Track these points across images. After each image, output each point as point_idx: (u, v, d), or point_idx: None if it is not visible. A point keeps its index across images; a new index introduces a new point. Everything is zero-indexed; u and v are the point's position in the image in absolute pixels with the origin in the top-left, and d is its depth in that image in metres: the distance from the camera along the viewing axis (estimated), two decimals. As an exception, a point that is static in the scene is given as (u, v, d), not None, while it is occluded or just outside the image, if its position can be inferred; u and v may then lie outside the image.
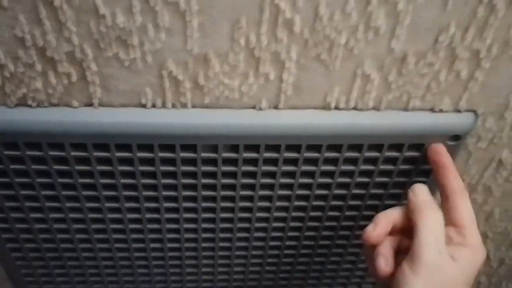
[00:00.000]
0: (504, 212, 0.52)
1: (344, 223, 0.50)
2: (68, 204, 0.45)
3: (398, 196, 0.47)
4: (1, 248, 0.50)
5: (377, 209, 0.48)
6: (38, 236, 0.49)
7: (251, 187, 0.45)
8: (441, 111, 0.40)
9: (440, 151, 0.40)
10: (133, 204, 0.45)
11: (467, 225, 0.37)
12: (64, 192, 0.44)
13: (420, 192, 0.38)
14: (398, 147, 0.42)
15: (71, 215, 0.46)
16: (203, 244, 0.51)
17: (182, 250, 0.52)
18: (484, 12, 0.34)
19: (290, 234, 0.51)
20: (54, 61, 0.35)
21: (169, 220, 0.48)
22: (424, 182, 0.44)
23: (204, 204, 0.46)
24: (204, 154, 0.41)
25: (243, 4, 0.32)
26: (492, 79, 0.38)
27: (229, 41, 0.34)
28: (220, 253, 0.53)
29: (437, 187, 0.39)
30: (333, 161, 0.43)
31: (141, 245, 0.51)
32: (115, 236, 0.49)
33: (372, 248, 0.38)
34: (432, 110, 0.40)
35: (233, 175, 0.43)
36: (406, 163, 0.44)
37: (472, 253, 0.36)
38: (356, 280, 0.59)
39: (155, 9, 0.32)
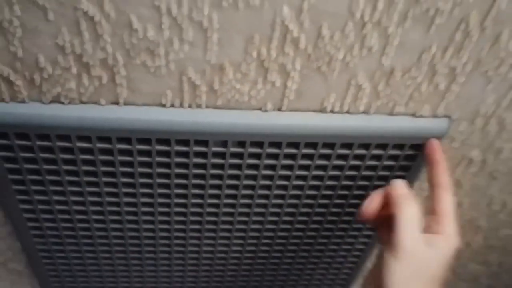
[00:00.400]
0: (472, 203, 0.59)
1: (333, 210, 0.56)
2: (89, 189, 0.50)
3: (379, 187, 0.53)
4: (21, 225, 0.55)
5: (362, 199, 0.54)
6: (58, 216, 0.54)
7: (254, 177, 0.50)
8: (421, 116, 0.47)
9: (435, 148, 0.46)
10: (147, 190, 0.51)
11: (446, 215, 0.43)
12: (86, 178, 0.49)
13: (398, 187, 0.44)
14: (383, 146, 0.48)
15: (90, 199, 0.51)
16: (206, 226, 0.57)
17: (187, 231, 0.57)
18: (461, 37, 0.40)
19: (285, 218, 0.57)
20: (88, 65, 0.39)
21: (178, 205, 0.53)
22: (403, 177, 0.51)
23: (211, 191, 0.52)
24: (214, 148, 0.46)
25: (257, 24, 0.37)
26: (466, 91, 0.44)
27: (243, 53, 0.40)
28: (221, 234, 0.58)
29: (427, 177, 0.45)
30: (327, 157, 0.49)
31: (151, 226, 0.57)
32: (128, 217, 0.55)
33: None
34: (413, 115, 0.46)
35: (238, 167, 0.49)
36: (389, 160, 0.50)
37: (446, 240, 0.42)
38: (340, 259, 0.66)
39: (182, 26, 0.37)
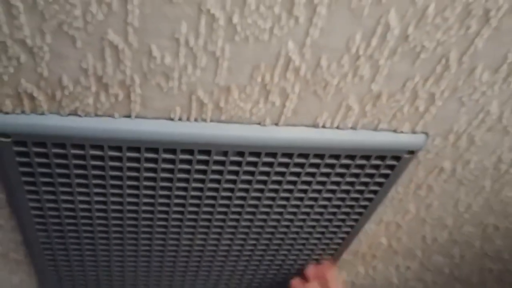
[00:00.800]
0: (441, 204, 0.66)
1: (317, 210, 0.62)
2: (96, 190, 0.54)
3: (362, 191, 0.59)
4: (27, 221, 0.59)
5: (345, 200, 0.60)
6: (63, 213, 0.57)
7: (249, 182, 0.55)
8: (402, 132, 0.52)
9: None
10: (151, 192, 0.55)
11: None
12: (94, 181, 0.53)
13: None
14: (367, 157, 0.54)
15: (96, 198, 0.55)
16: (203, 216, 0.62)
17: (182, 227, 0.62)
18: (441, 69, 0.45)
19: (276, 209, 0.62)
20: (107, 85, 0.43)
21: (177, 205, 0.58)
22: (383, 183, 0.57)
23: (208, 193, 0.56)
24: (216, 157, 0.51)
25: (264, 55, 0.42)
26: (442, 112, 0.50)
27: (249, 78, 0.44)
28: (216, 223, 0.64)
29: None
30: (317, 166, 0.54)
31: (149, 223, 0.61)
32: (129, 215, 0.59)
33: None
34: (395, 131, 0.52)
35: (236, 173, 0.54)
36: (371, 169, 0.55)
37: None
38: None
39: (196, 55, 0.41)
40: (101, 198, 0.56)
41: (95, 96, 0.44)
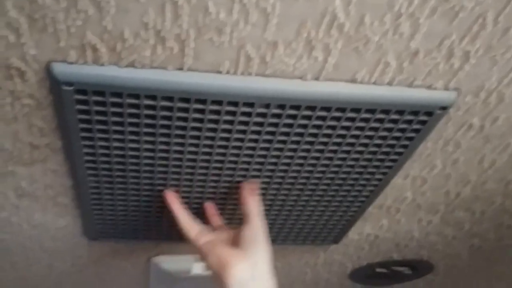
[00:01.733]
0: (466, 160, 0.69)
1: (349, 163, 0.66)
2: (146, 138, 0.58)
3: (393, 146, 0.63)
4: (80, 165, 0.63)
5: (376, 154, 0.64)
6: (114, 159, 0.62)
7: (287, 134, 0.59)
8: (435, 89, 0.55)
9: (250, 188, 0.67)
10: (195, 141, 0.59)
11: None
12: (145, 130, 0.57)
13: None
14: (400, 112, 0.57)
15: (145, 146, 0.60)
16: (240, 166, 0.66)
17: (221, 175, 0.67)
18: (477, 28, 0.47)
19: (310, 161, 0.66)
20: (164, 39, 0.46)
21: (219, 154, 0.62)
22: (413, 138, 0.60)
23: (248, 144, 0.60)
24: (259, 110, 0.55)
25: (312, 12, 0.45)
26: (475, 70, 0.53)
27: (295, 34, 0.47)
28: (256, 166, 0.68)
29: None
30: (352, 120, 0.57)
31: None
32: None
33: None
34: (429, 87, 0.55)
35: (276, 125, 0.57)
36: (404, 124, 0.59)
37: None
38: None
39: (249, 11, 0.44)
40: (150, 146, 0.60)
41: (152, 49, 0.47)
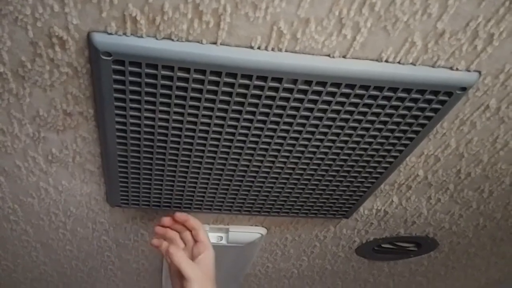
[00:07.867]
0: (479, 140, 0.72)
1: (367, 140, 0.68)
2: (176, 109, 0.61)
3: (411, 124, 0.65)
4: (110, 134, 0.66)
5: (394, 132, 0.66)
6: (144, 129, 0.64)
7: (311, 110, 0.61)
8: (457, 69, 0.57)
9: (183, 219, 0.79)
10: (223, 114, 0.61)
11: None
12: (176, 101, 0.59)
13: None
14: (421, 91, 0.59)
15: (174, 117, 0.62)
16: (264, 140, 0.68)
17: (244, 148, 0.69)
18: (503, 11, 0.49)
19: (331, 138, 0.68)
20: (201, 13, 0.48)
21: (244, 128, 0.64)
22: (431, 117, 0.62)
23: (273, 119, 0.63)
24: (286, 85, 0.57)
25: (346, -9, 0.46)
26: (497, 52, 0.55)
27: (328, 11, 0.49)
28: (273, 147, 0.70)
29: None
30: (375, 97, 0.59)
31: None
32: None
33: None
34: (451, 68, 0.57)
35: (301, 101, 0.59)
36: (424, 103, 0.61)
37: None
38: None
39: (286, -12, 0.46)
40: (179, 117, 0.62)
41: (189, 22, 0.49)
